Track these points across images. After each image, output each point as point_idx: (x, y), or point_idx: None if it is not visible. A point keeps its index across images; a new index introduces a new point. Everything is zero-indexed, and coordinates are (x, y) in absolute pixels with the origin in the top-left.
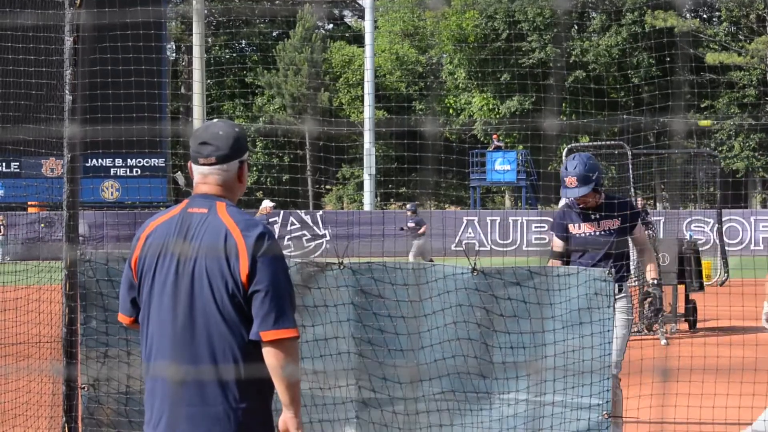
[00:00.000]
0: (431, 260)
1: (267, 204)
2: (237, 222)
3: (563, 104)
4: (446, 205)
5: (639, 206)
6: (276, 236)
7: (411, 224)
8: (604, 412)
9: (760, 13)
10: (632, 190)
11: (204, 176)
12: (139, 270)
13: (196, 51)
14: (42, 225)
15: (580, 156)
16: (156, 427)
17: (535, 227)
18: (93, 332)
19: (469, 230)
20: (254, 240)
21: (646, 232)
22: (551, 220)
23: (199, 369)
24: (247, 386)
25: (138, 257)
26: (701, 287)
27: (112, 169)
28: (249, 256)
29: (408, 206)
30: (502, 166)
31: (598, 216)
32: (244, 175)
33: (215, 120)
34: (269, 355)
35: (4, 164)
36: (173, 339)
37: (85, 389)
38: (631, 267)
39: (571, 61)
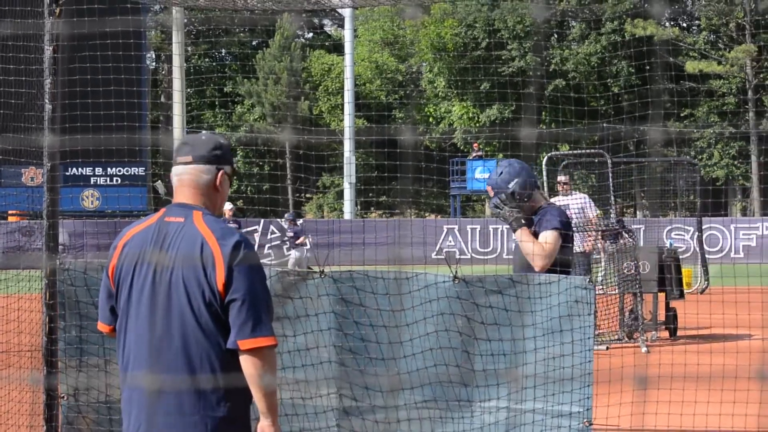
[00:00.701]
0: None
1: (226, 207)
2: (213, 231)
3: (543, 113)
4: (426, 214)
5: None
6: (253, 245)
7: (290, 234)
8: (585, 420)
9: (739, 21)
10: (612, 198)
11: (179, 176)
12: (116, 279)
13: (176, 60)
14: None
15: (503, 164)
16: None
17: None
18: (72, 341)
19: (450, 239)
20: (230, 249)
21: (623, 241)
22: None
23: (176, 378)
24: (225, 395)
25: (115, 266)
26: (681, 295)
27: (92, 178)
28: (225, 265)
29: (286, 215)
30: (482, 174)
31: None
32: (222, 184)
33: (205, 132)
34: (247, 363)
35: None
36: (150, 348)
37: (65, 398)
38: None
39: (550, 70)
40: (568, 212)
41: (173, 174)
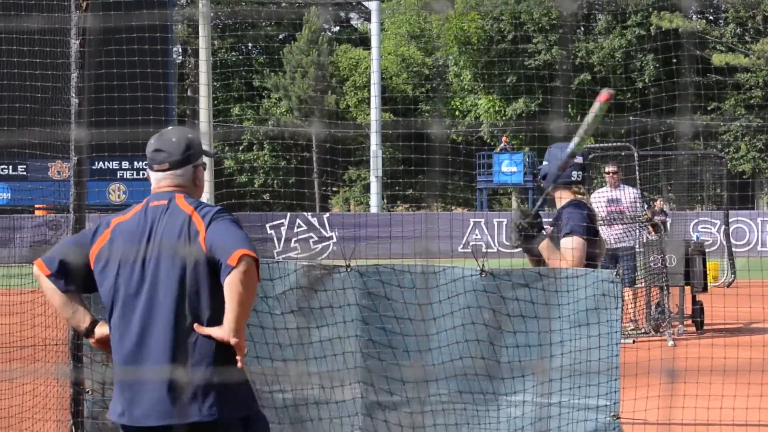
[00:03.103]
0: None
1: None
2: (195, 207)
3: (569, 106)
4: (453, 207)
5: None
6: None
7: None
8: (612, 413)
9: (766, 14)
10: (639, 191)
11: (158, 181)
12: (98, 265)
13: (203, 54)
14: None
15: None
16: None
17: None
18: None
19: (476, 232)
20: (212, 214)
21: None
22: None
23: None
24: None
25: (98, 252)
26: (705, 288)
27: (118, 172)
28: (205, 224)
29: None
30: (508, 167)
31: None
32: (199, 178)
33: (170, 127)
34: (232, 275)
35: (11, 167)
36: (158, 341)
37: (90, 393)
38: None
39: (577, 63)
40: (615, 207)
41: (152, 178)
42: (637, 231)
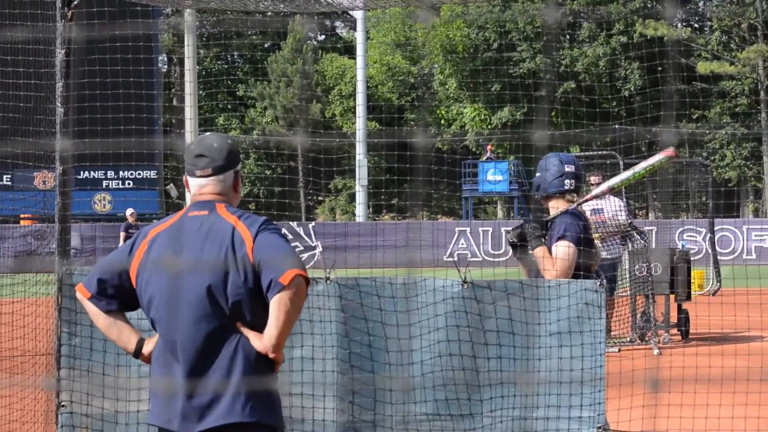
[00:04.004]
0: None
1: (127, 212)
2: (239, 216)
3: (554, 114)
4: (438, 216)
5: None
6: (278, 226)
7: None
8: (597, 425)
9: (751, 22)
10: (624, 201)
11: (201, 187)
12: (140, 280)
13: (188, 63)
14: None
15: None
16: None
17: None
18: (77, 349)
19: (462, 241)
20: (258, 225)
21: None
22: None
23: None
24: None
25: (138, 266)
26: (688, 297)
27: (104, 182)
28: (252, 236)
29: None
30: (494, 176)
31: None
32: (238, 184)
33: (208, 134)
34: (283, 294)
35: None
36: (197, 351)
37: (66, 406)
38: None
39: (561, 71)
40: (597, 217)
41: (193, 184)
42: (618, 243)
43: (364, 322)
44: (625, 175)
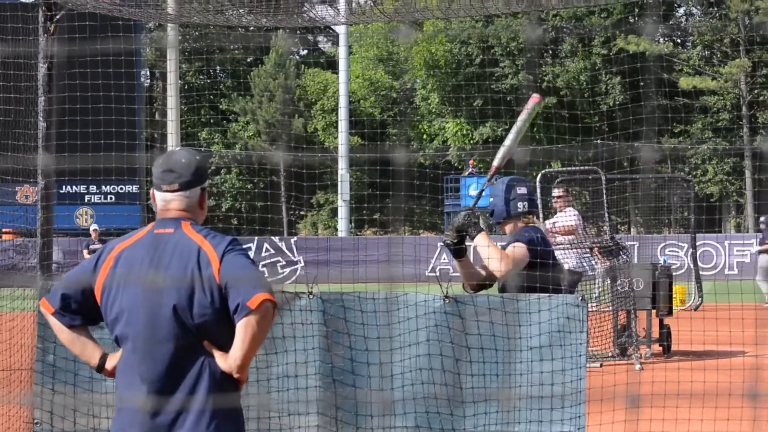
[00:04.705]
0: None
1: (90, 228)
2: (205, 236)
3: (535, 129)
4: (420, 231)
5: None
6: (243, 245)
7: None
8: None
9: (733, 37)
10: (606, 215)
11: (167, 202)
12: (105, 297)
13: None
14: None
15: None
16: None
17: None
18: (52, 366)
19: (443, 256)
20: (225, 245)
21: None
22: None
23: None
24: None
25: (104, 283)
26: (670, 312)
27: (86, 196)
28: (219, 257)
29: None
30: (476, 191)
31: None
32: (204, 201)
33: (177, 149)
34: (251, 318)
35: None
36: (161, 369)
37: (38, 423)
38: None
39: (543, 87)
40: (554, 228)
41: (159, 198)
42: (573, 255)
43: (346, 337)
44: (510, 136)
